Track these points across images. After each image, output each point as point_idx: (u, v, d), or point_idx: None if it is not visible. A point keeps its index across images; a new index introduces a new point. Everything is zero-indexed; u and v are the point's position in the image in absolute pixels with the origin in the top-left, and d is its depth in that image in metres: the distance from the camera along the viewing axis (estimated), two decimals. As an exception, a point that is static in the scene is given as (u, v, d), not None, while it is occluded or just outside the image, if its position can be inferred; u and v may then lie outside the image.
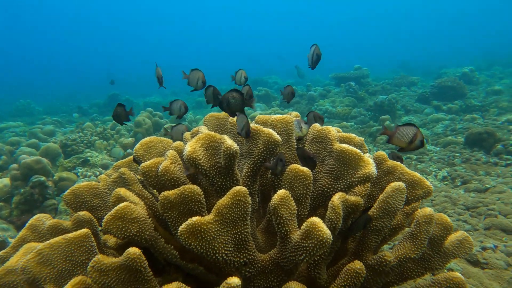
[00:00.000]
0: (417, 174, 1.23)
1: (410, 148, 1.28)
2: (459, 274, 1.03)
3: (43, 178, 2.84)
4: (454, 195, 2.64)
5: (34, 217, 1.21)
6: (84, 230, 1.00)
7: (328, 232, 0.93)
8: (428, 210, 1.11)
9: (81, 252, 0.99)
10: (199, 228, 0.93)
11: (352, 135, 1.32)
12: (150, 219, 1.06)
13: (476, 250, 1.81)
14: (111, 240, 1.11)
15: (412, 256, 1.11)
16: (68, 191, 1.20)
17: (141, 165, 1.10)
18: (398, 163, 1.29)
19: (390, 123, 5.17)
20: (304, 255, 0.97)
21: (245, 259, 1.05)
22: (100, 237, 1.17)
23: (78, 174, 3.39)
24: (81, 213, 1.11)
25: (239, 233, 1.01)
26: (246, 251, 1.04)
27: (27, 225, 1.19)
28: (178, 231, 0.92)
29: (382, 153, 1.32)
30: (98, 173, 3.43)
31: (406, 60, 15.59)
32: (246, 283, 1.10)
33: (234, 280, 0.88)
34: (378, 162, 1.31)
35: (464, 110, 5.86)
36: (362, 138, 1.34)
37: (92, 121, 5.80)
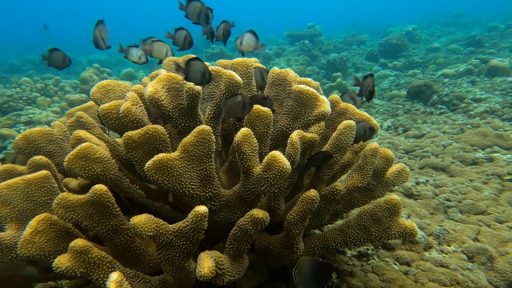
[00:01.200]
0: (366, 114, 1.35)
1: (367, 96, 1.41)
2: (396, 196, 1.20)
3: (-20, 136, 2.62)
4: (396, 141, 2.92)
5: (-18, 164, 1.15)
6: (44, 171, 0.98)
7: (287, 162, 1.01)
8: (375, 144, 1.24)
9: (42, 193, 0.98)
10: (166, 164, 0.96)
11: (309, 79, 1.38)
12: (114, 159, 1.06)
13: (411, 185, 2.07)
14: (72, 182, 1.10)
15: (359, 185, 1.25)
16: (19, 136, 1.14)
17: (100, 107, 1.08)
18: (350, 105, 1.40)
19: (342, 80, 5.38)
20: (265, 185, 1.06)
21: (210, 193, 1.11)
22: (60, 181, 1.15)
23: (20, 131, 3.15)
24: (37, 157, 1.08)
25: (204, 169, 1.06)
26: (211, 186, 1.10)
27: (-25, 172, 1.13)
28: (145, 167, 0.94)
29: (336, 96, 1.42)
30: (44, 130, 3.21)
31: (356, 19, 15.88)
32: (212, 215, 1.17)
33: (202, 208, 0.95)
34: (332, 104, 1.41)
35: (407, 66, 6.26)
36: (318, 82, 1.42)
37: (29, 77, 5.27)
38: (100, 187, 0.93)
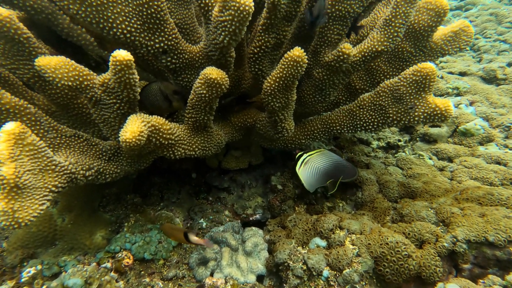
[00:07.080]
0: None
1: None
2: (431, 64, 0.78)
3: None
4: (503, 12, 2.11)
5: None
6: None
7: (247, -4, 0.66)
8: (415, -18, 0.77)
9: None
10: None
11: None
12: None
13: (498, 66, 1.49)
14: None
15: (379, 49, 0.85)
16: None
17: None
18: None
19: None
20: (223, 33, 0.74)
21: (162, 45, 0.84)
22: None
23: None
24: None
25: (148, 7, 0.77)
26: (162, 33, 0.82)
27: None
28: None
29: None
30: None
31: None
32: (174, 77, 0.93)
33: (121, 52, 0.70)
34: None
35: None
36: None
37: None
38: (1, 10, 0.72)
